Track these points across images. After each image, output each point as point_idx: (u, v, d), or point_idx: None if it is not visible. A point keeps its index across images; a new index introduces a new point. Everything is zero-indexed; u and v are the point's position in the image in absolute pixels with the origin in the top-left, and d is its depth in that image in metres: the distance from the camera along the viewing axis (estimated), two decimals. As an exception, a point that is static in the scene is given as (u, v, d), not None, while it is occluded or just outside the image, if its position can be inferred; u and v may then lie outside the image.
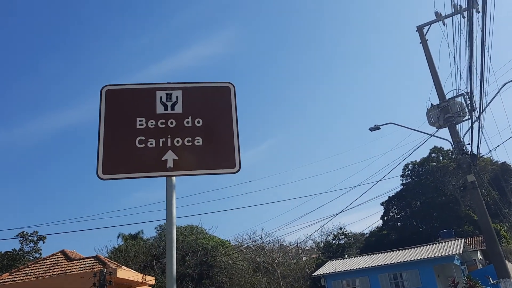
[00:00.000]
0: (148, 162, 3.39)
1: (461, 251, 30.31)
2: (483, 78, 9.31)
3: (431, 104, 16.20)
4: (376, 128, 17.23)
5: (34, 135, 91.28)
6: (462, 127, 19.16)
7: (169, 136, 3.47)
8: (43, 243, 40.43)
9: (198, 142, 3.49)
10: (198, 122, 3.55)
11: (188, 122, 3.54)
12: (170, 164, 3.38)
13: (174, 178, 3.41)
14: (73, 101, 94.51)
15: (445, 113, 15.37)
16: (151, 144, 3.43)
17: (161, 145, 3.44)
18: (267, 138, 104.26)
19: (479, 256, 37.60)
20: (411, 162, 55.03)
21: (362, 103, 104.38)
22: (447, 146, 58.14)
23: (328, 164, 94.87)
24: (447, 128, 15.63)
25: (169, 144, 3.44)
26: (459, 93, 15.06)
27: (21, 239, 39.03)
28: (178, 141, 3.46)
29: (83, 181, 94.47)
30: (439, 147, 54.64)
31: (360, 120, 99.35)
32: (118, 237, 58.23)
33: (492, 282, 24.10)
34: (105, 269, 16.10)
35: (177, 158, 3.41)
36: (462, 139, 15.13)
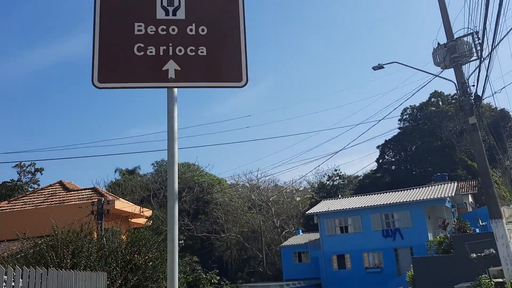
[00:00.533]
0: (147, 71, 3.13)
1: (453, 194, 30.87)
2: (501, 11, 8.85)
3: (438, 44, 15.68)
4: (379, 67, 16.80)
5: (32, 65, 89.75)
6: (468, 69, 18.70)
7: (170, 44, 3.18)
8: (41, 174, 40.87)
9: (202, 52, 3.20)
10: (203, 30, 3.25)
11: (191, 30, 3.23)
12: (171, 74, 3.12)
13: (175, 90, 3.17)
14: (73, 32, 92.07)
15: (452, 53, 14.91)
16: (150, 52, 3.15)
17: (161, 53, 3.15)
18: (267, 77, 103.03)
19: (470, 200, 38.43)
20: (409, 106, 54.85)
21: (366, 42, 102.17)
22: (447, 91, 57.67)
23: (327, 102, 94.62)
24: (452, 69, 15.24)
25: (171, 53, 3.16)
26: (469, 32, 14.51)
27: (19, 170, 39.38)
28: (180, 50, 3.18)
29: (81, 114, 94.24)
30: (439, 91, 54.20)
31: (363, 59, 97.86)
32: (115, 171, 59.04)
33: (481, 224, 24.70)
34: (103, 199, 16.25)
35: (179, 68, 3.14)
36: (467, 80, 14.79)
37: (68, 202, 20.94)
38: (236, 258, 55.35)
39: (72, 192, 22.43)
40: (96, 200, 16.59)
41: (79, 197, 21.46)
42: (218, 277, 51.54)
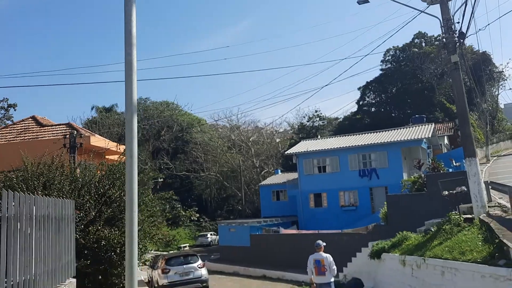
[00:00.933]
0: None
1: (429, 135, 31.30)
2: None
3: (425, -23, 15.10)
4: (365, 1, 16.19)
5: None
6: (454, 5, 18.24)
7: None
8: (14, 110, 39.73)
9: None
10: None
11: None
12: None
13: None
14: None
15: (439, -13, 14.40)
16: None
17: None
18: (249, 15, 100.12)
19: (446, 142, 39.22)
20: (392, 47, 54.22)
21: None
22: (431, 32, 57.04)
23: (309, 35, 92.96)
24: (438, 5, 14.80)
25: None
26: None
27: (-10, 105, 38.15)
28: None
29: (55, 44, 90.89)
30: (423, 32, 53.57)
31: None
32: (91, 109, 57.94)
33: (454, 164, 25.29)
34: (75, 132, 15.83)
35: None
36: (452, 17, 14.41)
37: (42, 137, 20.44)
38: (215, 197, 56.29)
39: (46, 128, 21.86)
40: (68, 133, 16.14)
41: (53, 132, 20.93)
42: (198, 215, 52.66)
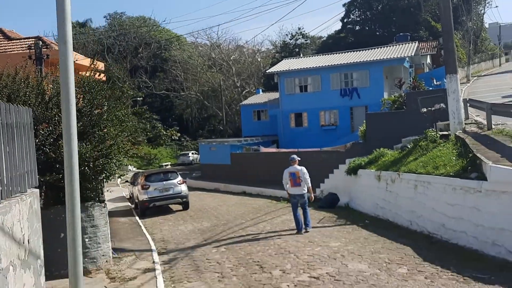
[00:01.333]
0: None
1: (412, 54, 30.88)
2: None
3: None
4: None
5: None
6: None
7: None
8: (-19, 24, 37.32)
9: None
10: None
11: None
12: None
13: None
14: None
15: None
16: None
17: None
18: None
19: (428, 61, 38.89)
20: (382, -41, 51.72)
21: None
22: None
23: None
24: None
25: None
26: None
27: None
28: None
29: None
30: None
31: None
32: (65, 24, 55.04)
33: (435, 83, 25.25)
34: (41, 42, 14.95)
35: None
36: None
37: (10, 51, 19.33)
38: (196, 116, 56.05)
39: (15, 41, 20.60)
40: (33, 43, 15.22)
41: (22, 46, 19.77)
42: (179, 134, 52.69)
